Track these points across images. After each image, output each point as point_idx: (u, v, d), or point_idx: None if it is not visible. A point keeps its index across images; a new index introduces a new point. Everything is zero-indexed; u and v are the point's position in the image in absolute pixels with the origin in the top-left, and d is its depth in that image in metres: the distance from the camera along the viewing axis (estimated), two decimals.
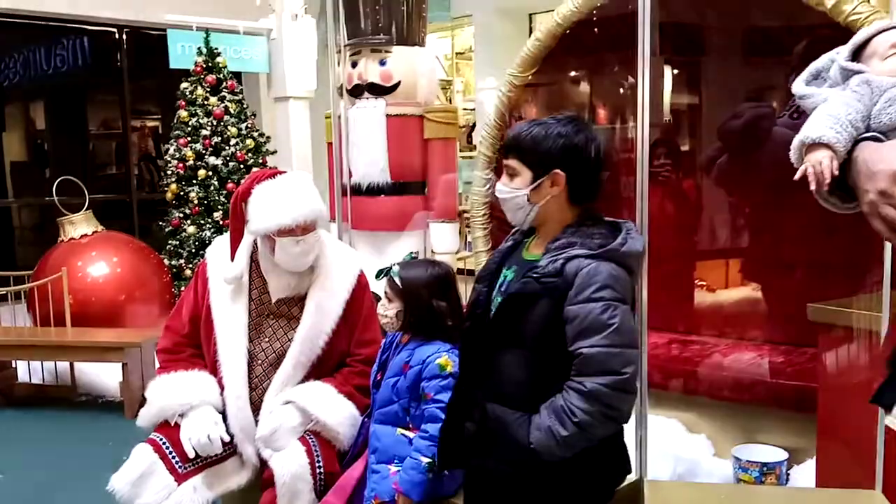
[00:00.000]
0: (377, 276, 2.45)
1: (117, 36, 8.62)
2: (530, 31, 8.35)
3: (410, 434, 2.32)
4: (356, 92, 5.01)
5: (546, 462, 1.89)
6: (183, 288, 5.94)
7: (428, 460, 2.23)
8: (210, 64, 6.08)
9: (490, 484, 2.04)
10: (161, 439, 2.50)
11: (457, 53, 9.76)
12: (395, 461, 2.32)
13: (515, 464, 1.94)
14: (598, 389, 1.84)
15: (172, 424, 2.53)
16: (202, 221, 5.97)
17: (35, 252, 7.15)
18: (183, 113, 5.99)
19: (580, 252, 1.91)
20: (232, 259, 2.65)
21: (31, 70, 9.25)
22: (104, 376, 5.21)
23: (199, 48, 6.15)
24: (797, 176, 1.54)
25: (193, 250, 5.97)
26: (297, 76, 7.41)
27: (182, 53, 6.79)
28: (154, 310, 5.71)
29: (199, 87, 6.01)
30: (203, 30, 6.24)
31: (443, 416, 2.20)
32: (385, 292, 2.40)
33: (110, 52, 8.76)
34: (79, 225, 5.69)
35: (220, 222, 5.95)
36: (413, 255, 2.49)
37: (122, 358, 4.73)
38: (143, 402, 4.78)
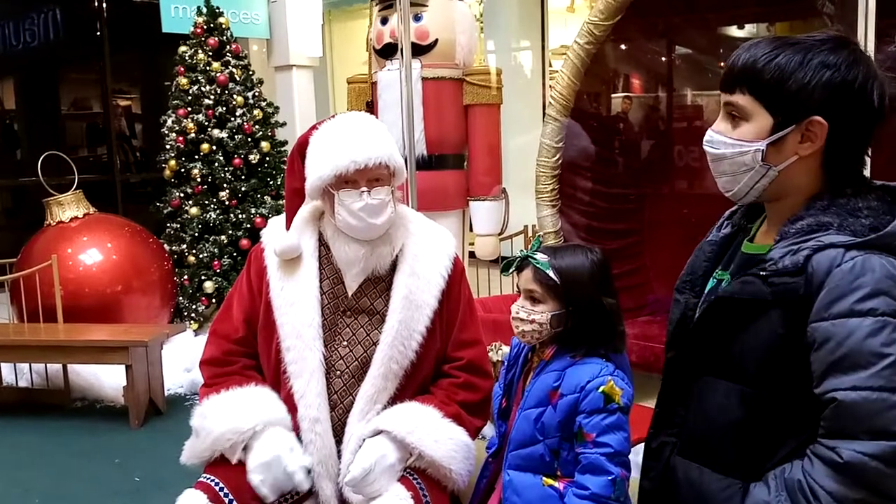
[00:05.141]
0: (504, 270, 1.83)
1: (97, 4, 7.99)
2: None
3: (561, 485, 1.68)
4: (387, 52, 4.46)
5: None
6: (185, 277, 5.32)
7: None
8: (212, 25, 5.41)
9: None
10: (216, 483, 1.89)
11: None
12: None
13: None
14: (861, 462, 1.21)
15: (234, 461, 1.92)
16: (206, 201, 5.31)
17: (11, 238, 6.54)
18: (182, 80, 5.31)
19: (838, 239, 1.27)
20: (287, 229, 2.05)
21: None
22: (102, 378, 4.57)
23: (198, 7, 5.48)
24: None
25: (197, 234, 5.32)
26: (301, 42, 6.77)
27: (176, 16, 6.13)
28: (155, 301, 5.06)
29: (200, 51, 5.34)
30: None
31: (608, 467, 1.61)
32: (528, 290, 1.75)
33: (88, 23, 8.12)
34: (68, 207, 5.00)
35: (227, 202, 5.31)
36: (539, 239, 1.89)
37: (126, 359, 4.07)
38: (149, 409, 4.29)
